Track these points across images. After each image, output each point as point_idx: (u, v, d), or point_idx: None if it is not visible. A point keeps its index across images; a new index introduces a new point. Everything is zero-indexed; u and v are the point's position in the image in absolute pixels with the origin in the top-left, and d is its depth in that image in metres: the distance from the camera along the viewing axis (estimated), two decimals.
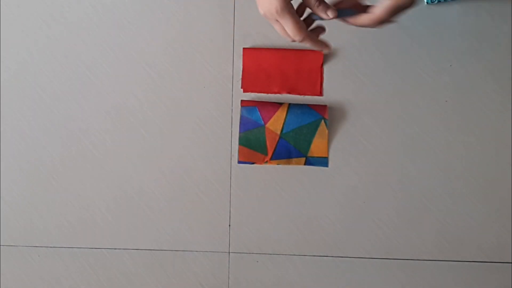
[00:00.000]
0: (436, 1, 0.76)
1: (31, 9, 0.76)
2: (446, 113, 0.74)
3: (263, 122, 0.73)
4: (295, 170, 0.73)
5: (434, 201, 0.72)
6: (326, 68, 0.74)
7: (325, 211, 0.72)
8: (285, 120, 0.73)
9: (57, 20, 0.75)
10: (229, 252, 0.72)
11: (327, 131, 0.72)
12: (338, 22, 0.76)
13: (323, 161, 0.73)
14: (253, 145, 0.72)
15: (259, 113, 0.73)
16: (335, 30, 0.75)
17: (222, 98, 0.74)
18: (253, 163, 0.72)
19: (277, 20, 0.58)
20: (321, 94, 0.74)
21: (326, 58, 0.74)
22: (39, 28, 0.75)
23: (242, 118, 0.73)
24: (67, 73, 0.75)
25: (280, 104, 0.73)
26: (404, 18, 0.77)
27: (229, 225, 0.72)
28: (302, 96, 0.74)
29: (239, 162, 0.72)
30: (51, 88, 0.74)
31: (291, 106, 0.73)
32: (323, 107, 0.73)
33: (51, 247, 0.72)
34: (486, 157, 0.73)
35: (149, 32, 0.75)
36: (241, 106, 0.73)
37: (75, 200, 0.73)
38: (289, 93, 0.74)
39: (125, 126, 0.74)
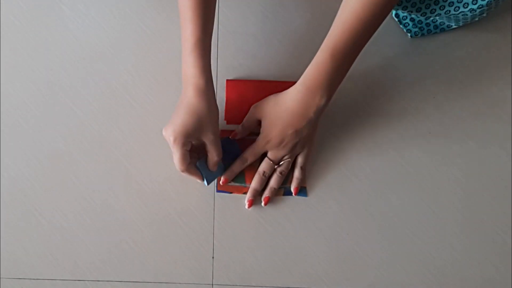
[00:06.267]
0: (419, 34, 0.76)
1: (14, 41, 0.76)
2: (430, 144, 0.74)
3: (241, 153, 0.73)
4: (278, 201, 0.73)
5: (418, 233, 0.72)
6: None
7: (308, 243, 0.72)
8: None
9: (41, 53, 0.76)
10: (212, 284, 0.72)
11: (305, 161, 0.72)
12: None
13: (301, 191, 0.73)
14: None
15: (237, 145, 0.73)
16: None
17: None
18: (230, 193, 0.72)
19: None
20: None
21: None
22: (23, 61, 0.76)
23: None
24: (50, 105, 0.75)
25: (257, 135, 0.73)
26: (389, 51, 0.78)
27: (213, 257, 0.72)
28: None
29: (218, 191, 0.72)
30: (34, 121, 0.75)
31: None
32: None
33: (34, 279, 0.72)
34: (470, 190, 0.73)
35: (133, 65, 0.75)
36: (220, 137, 0.73)
37: (58, 232, 0.72)
38: None
39: (108, 157, 0.74)
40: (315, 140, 0.73)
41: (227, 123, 0.74)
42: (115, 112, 0.74)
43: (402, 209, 0.73)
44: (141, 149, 0.74)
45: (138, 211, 0.73)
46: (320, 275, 0.71)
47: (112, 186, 0.73)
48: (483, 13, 0.70)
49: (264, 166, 0.71)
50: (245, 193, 0.72)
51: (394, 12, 0.77)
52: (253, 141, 0.72)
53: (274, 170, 0.71)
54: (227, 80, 0.75)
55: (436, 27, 0.76)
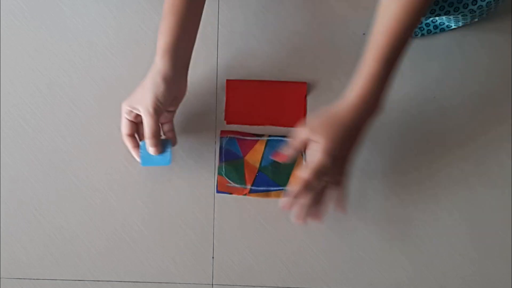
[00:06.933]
0: (419, 34, 0.76)
1: (14, 41, 0.76)
2: (430, 145, 0.74)
3: (241, 154, 0.73)
4: (278, 202, 0.72)
5: (418, 234, 0.72)
6: (309, 99, 0.74)
7: (308, 243, 0.72)
8: (263, 154, 0.73)
9: (41, 52, 0.76)
10: (212, 284, 0.72)
11: (305, 164, 0.72)
12: (319, 56, 0.75)
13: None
14: (231, 176, 0.72)
15: (238, 145, 0.73)
16: (318, 62, 0.75)
17: (206, 130, 0.74)
18: (230, 194, 0.72)
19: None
20: None
21: (309, 89, 0.74)
22: (23, 61, 0.76)
23: (221, 149, 0.73)
24: (50, 105, 0.75)
25: (258, 138, 0.73)
26: None
27: (213, 257, 0.72)
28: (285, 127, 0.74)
29: (218, 192, 0.72)
30: (34, 120, 0.74)
31: (269, 140, 0.73)
32: None
33: (34, 279, 0.72)
34: (470, 190, 0.73)
35: (133, 65, 0.75)
36: (220, 137, 0.73)
37: (58, 232, 0.72)
38: (272, 125, 0.74)
39: (108, 158, 0.74)
40: None
41: (227, 123, 0.74)
42: (115, 112, 0.74)
43: (402, 209, 0.73)
44: None
45: (138, 211, 0.73)
46: (320, 275, 0.72)
47: (112, 186, 0.73)
48: (483, 14, 0.70)
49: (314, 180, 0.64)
50: (245, 194, 0.72)
51: None
52: (254, 141, 0.72)
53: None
54: (227, 80, 0.74)
55: (436, 27, 0.76)
